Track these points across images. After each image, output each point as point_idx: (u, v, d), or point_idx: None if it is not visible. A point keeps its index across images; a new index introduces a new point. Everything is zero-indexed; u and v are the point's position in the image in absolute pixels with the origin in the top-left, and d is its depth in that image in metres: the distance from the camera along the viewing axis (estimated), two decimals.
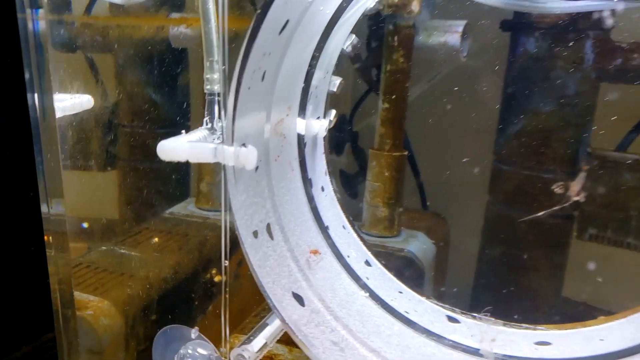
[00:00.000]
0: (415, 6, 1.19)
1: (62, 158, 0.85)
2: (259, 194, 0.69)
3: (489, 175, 1.33)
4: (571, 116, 1.23)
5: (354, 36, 0.82)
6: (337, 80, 0.82)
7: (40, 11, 0.79)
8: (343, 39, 0.82)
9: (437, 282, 1.31)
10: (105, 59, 1.40)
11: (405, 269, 1.20)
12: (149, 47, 1.28)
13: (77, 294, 0.91)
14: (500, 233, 1.34)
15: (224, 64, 0.72)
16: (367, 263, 0.84)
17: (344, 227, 0.86)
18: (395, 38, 1.21)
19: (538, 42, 1.23)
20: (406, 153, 1.25)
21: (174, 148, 0.67)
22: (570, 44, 1.19)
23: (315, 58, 0.77)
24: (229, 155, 0.64)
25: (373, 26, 1.25)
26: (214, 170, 1.32)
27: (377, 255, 1.19)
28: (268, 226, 0.70)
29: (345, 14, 0.77)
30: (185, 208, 1.31)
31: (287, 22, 0.63)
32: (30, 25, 0.79)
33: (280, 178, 0.74)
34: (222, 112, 0.67)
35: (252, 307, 1.24)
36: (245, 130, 0.67)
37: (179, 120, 1.39)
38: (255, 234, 0.68)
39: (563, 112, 1.22)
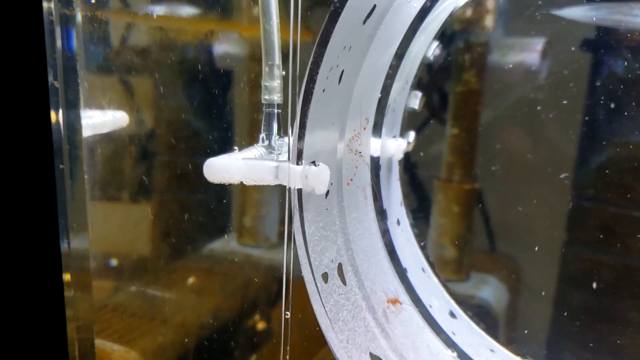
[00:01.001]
0: (489, 21, 1.06)
1: (88, 186, 0.72)
2: (329, 226, 0.55)
3: (566, 212, 1.16)
4: None
5: (437, 43, 0.69)
6: (418, 95, 0.69)
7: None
8: (425, 46, 0.68)
9: (512, 331, 1.14)
10: (142, 81, 1.30)
11: (480, 319, 1.04)
12: (190, 68, 1.17)
13: (99, 343, 0.77)
14: (581, 277, 1.16)
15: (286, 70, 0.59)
16: (452, 314, 0.69)
17: (423, 269, 0.71)
18: (466, 56, 1.07)
19: (626, 63, 1.09)
20: (478, 186, 1.10)
21: (226, 166, 0.54)
22: None
23: (393, 65, 0.64)
24: (295, 175, 0.50)
25: (439, 43, 1.12)
26: (261, 202, 1.18)
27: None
28: (340, 267, 0.56)
29: (432, 14, 0.64)
30: (227, 245, 1.17)
31: (373, 7, 0.50)
32: (59, 43, 0.67)
33: (352, 207, 0.60)
34: (289, 125, 0.53)
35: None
36: (316, 146, 0.53)
37: (222, 146, 1.27)
38: (325, 277, 0.53)
39: None
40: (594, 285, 1.12)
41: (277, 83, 0.63)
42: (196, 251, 1.18)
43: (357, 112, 0.57)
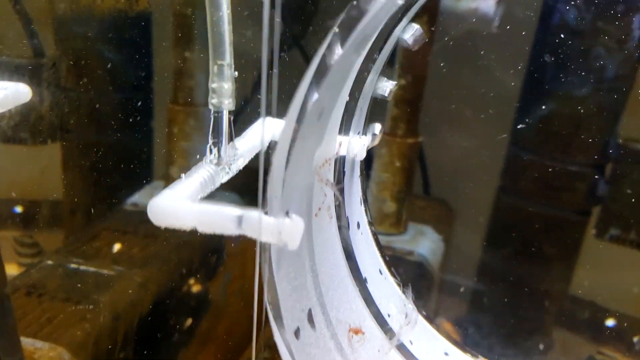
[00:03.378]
0: None
1: None
2: (300, 273, 0.49)
3: (502, 162, 1.16)
4: (606, 102, 1.06)
5: (416, 26, 0.60)
6: (390, 84, 0.61)
7: None
8: (401, 28, 0.59)
9: (445, 284, 1.16)
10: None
11: (415, 278, 1.04)
12: None
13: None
14: (511, 226, 1.19)
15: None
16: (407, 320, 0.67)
17: (380, 271, 0.67)
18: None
19: (579, 14, 1.04)
20: (421, 140, 1.06)
21: (175, 212, 0.45)
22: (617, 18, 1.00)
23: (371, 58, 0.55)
24: (268, 229, 0.43)
25: None
26: (188, 150, 1.08)
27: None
28: (310, 314, 0.50)
29: None
30: (151, 197, 1.08)
31: None
32: None
33: (318, 233, 0.54)
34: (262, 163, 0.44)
35: (247, 332, 1.06)
36: (295, 182, 0.45)
37: (141, 83, 1.13)
38: (297, 333, 0.48)
39: (597, 97, 1.05)
40: (526, 235, 1.15)
41: (227, 85, 0.53)
42: (118, 207, 1.08)
43: (331, 138, 0.49)
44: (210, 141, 0.57)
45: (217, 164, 0.55)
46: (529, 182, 1.14)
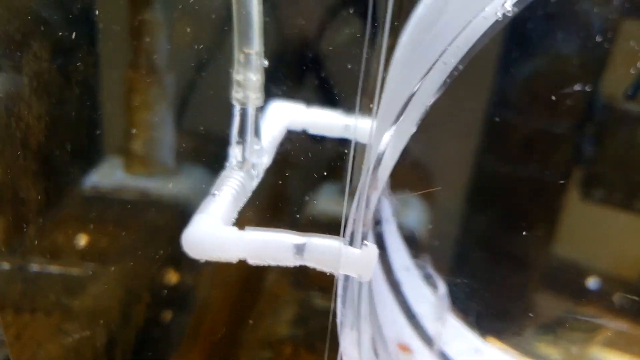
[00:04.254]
0: None
1: None
2: (357, 304, 0.42)
3: (483, 124, 1.12)
4: (590, 62, 1.03)
5: None
6: None
7: None
8: None
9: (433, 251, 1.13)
10: None
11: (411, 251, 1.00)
12: None
13: None
14: (493, 190, 1.17)
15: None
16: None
17: (407, 268, 0.62)
18: None
19: None
20: None
21: (220, 244, 0.37)
22: None
23: None
24: (349, 261, 0.35)
25: None
26: (151, 120, 0.96)
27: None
28: (374, 343, 0.44)
29: None
30: (110, 177, 0.96)
31: None
32: None
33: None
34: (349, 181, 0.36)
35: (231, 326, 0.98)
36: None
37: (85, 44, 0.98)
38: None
39: (581, 54, 1.02)
40: (509, 199, 1.13)
41: (255, 77, 0.44)
42: (75, 189, 0.95)
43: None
44: (234, 142, 0.48)
45: (242, 168, 0.46)
46: (511, 145, 1.11)
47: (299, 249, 0.36)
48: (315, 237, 0.36)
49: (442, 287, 0.59)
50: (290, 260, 0.37)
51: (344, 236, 0.36)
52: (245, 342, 0.82)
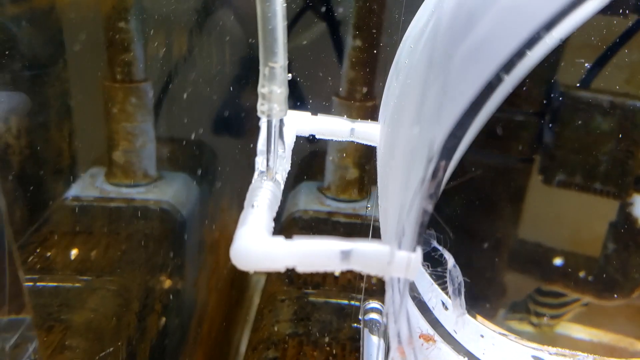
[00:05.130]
0: None
1: None
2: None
3: None
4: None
5: None
6: None
7: None
8: None
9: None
10: None
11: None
12: None
13: None
14: (459, 175, 1.22)
15: None
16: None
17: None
18: None
19: None
20: (378, 102, 1.03)
21: (270, 255, 0.39)
22: None
23: None
24: (398, 264, 0.38)
25: None
26: (133, 132, 0.96)
27: (352, 229, 1.01)
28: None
29: None
30: (94, 187, 0.95)
31: None
32: None
33: None
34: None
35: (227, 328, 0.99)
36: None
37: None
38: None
39: None
40: (474, 184, 1.18)
41: (280, 90, 0.46)
42: (57, 202, 0.94)
43: None
44: (260, 153, 0.50)
45: (268, 177, 0.48)
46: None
47: (346, 255, 0.39)
48: (360, 243, 0.39)
49: (451, 259, 0.63)
50: (336, 266, 0.39)
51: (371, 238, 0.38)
52: None
